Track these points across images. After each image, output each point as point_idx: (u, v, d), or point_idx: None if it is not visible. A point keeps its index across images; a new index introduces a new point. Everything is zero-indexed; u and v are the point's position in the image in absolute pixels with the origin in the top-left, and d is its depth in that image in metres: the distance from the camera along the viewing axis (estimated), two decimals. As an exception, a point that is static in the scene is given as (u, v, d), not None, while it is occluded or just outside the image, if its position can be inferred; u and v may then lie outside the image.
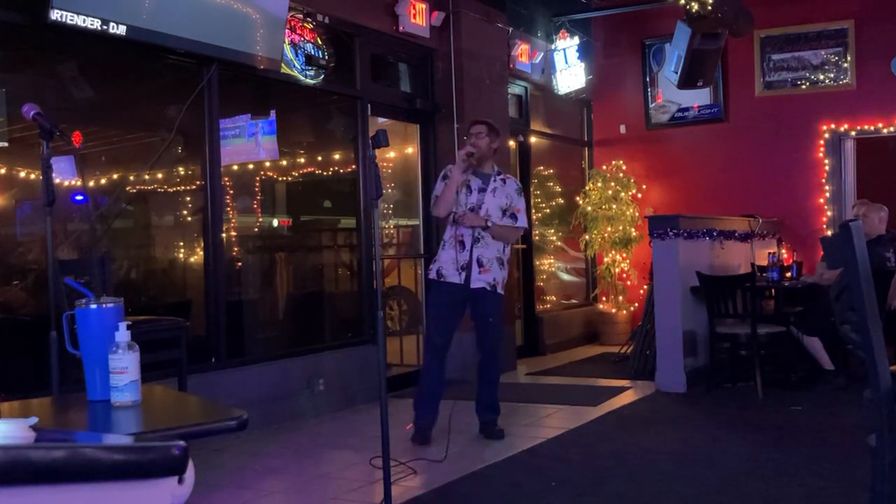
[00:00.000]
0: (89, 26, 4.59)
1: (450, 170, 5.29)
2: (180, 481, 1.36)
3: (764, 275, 7.12)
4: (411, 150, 8.27)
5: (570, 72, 9.33)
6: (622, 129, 10.10)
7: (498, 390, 5.45)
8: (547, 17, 9.42)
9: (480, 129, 5.30)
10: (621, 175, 9.72)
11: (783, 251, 7.83)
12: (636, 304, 9.54)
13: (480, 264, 5.17)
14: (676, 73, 7.88)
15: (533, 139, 9.36)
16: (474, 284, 5.17)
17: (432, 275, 5.29)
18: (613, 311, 9.67)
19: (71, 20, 4.53)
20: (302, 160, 7.39)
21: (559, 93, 9.36)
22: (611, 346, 9.18)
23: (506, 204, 5.26)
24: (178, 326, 4.86)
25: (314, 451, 5.21)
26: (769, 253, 7.24)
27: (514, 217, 5.29)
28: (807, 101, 9.14)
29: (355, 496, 4.25)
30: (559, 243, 10.14)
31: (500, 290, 5.26)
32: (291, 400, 6.04)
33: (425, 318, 5.36)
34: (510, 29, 8.44)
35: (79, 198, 5.33)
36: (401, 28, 7.16)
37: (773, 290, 7.14)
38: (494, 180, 5.29)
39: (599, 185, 9.62)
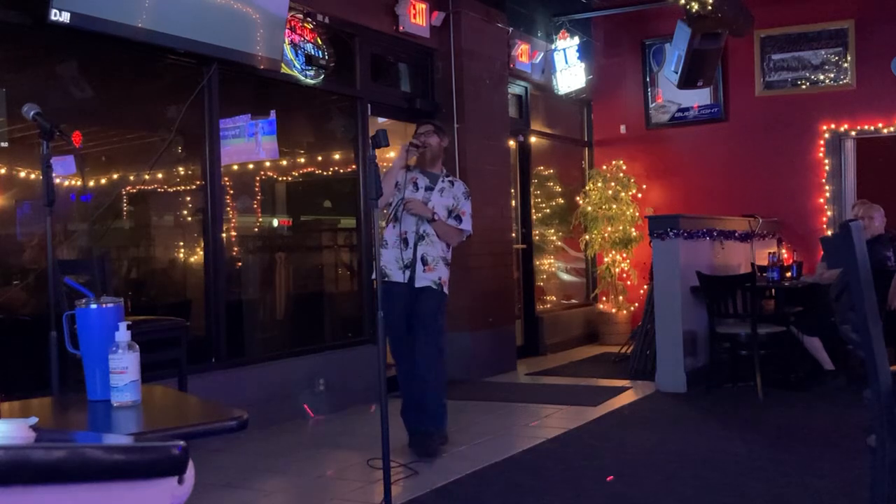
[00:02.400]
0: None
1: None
2: (180, 481, 1.36)
3: (764, 275, 7.12)
4: (411, 150, 8.26)
5: (570, 72, 9.33)
6: (622, 129, 10.11)
7: (438, 394, 5.07)
8: (547, 17, 9.42)
9: (427, 128, 5.21)
10: (621, 175, 9.73)
11: (783, 251, 7.83)
12: (636, 304, 9.55)
13: (425, 262, 5.02)
14: (676, 73, 7.88)
15: (533, 139, 9.36)
16: (419, 283, 5.00)
17: (377, 276, 5.03)
18: (613, 311, 9.67)
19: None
20: (302, 160, 7.39)
21: (559, 93, 9.36)
22: (611, 346, 9.18)
23: (452, 205, 5.14)
24: (178, 326, 4.86)
25: (314, 451, 5.21)
26: (769, 253, 7.23)
27: (458, 219, 5.15)
28: (807, 101, 9.15)
29: (355, 496, 4.25)
30: (559, 243, 10.14)
31: (445, 289, 5.10)
32: (291, 400, 6.04)
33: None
34: (510, 29, 8.44)
35: (79, 197, 5.33)
36: (401, 28, 7.16)
37: (773, 290, 7.14)
38: (443, 181, 5.18)
39: (599, 185, 9.62)
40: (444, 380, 5.21)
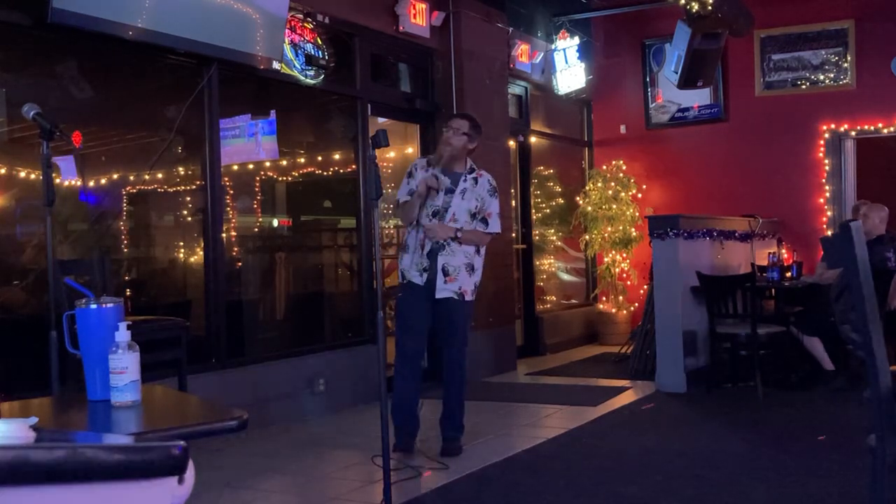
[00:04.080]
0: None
1: (415, 167, 4.98)
2: (180, 481, 1.36)
3: (764, 275, 7.12)
4: (411, 150, 8.27)
5: (570, 72, 9.33)
6: (622, 129, 10.11)
7: (462, 404, 5.09)
8: (547, 17, 9.42)
9: (461, 124, 4.91)
10: (621, 175, 9.73)
11: (783, 251, 7.83)
12: (636, 304, 9.55)
13: (446, 273, 4.85)
14: (676, 73, 7.88)
15: (533, 139, 9.36)
16: (440, 294, 4.86)
17: (399, 277, 5.06)
18: (613, 311, 9.67)
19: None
20: (302, 160, 7.39)
21: (559, 93, 9.36)
22: (611, 346, 9.18)
23: (476, 207, 4.89)
24: (178, 326, 4.86)
25: (314, 451, 5.21)
26: (769, 253, 7.24)
27: (485, 222, 4.92)
28: (807, 101, 9.14)
29: (355, 496, 4.26)
30: (559, 243, 10.14)
31: (468, 297, 4.93)
32: (291, 400, 6.04)
33: (395, 323, 5.16)
34: (510, 29, 8.44)
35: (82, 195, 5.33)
36: (401, 28, 7.16)
37: (773, 290, 7.15)
38: (465, 180, 4.90)
39: (599, 185, 9.62)
40: (465, 388, 5.22)
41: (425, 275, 4.90)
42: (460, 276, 4.89)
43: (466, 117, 5.05)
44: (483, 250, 5.05)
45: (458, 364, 5.07)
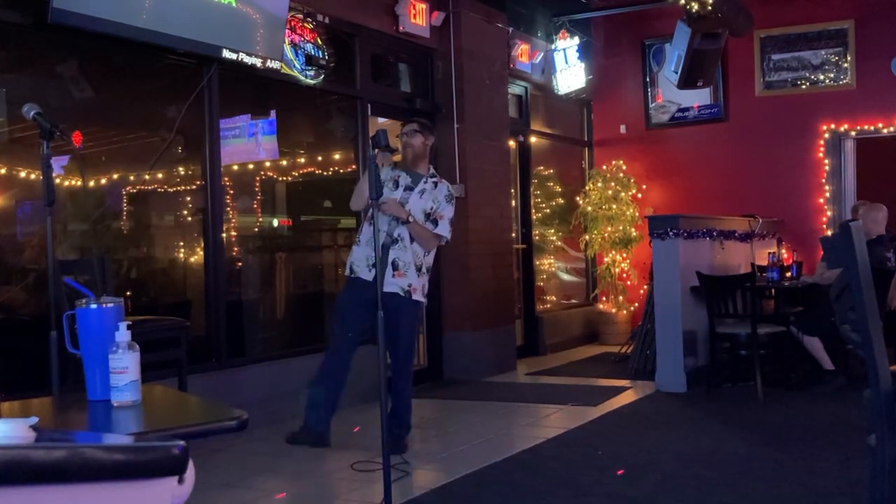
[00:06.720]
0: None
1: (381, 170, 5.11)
2: (180, 481, 1.36)
3: (764, 275, 7.12)
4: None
5: (570, 72, 9.33)
6: (622, 129, 10.11)
7: (409, 404, 5.09)
8: (547, 17, 9.42)
9: (412, 127, 5.14)
10: (621, 175, 9.73)
11: (783, 251, 7.83)
12: (636, 304, 9.55)
13: (395, 267, 4.89)
14: (676, 73, 7.88)
15: (533, 139, 9.36)
16: (387, 288, 4.79)
17: (347, 271, 5.09)
18: (613, 311, 9.67)
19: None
20: (302, 160, 7.39)
21: (559, 93, 9.36)
22: (611, 346, 9.18)
23: (431, 208, 4.98)
24: (178, 326, 4.86)
25: (314, 451, 5.20)
26: (769, 253, 7.23)
27: (435, 223, 4.98)
28: (807, 101, 9.15)
29: (355, 496, 4.26)
30: (559, 243, 10.14)
31: (416, 296, 4.94)
32: (291, 400, 6.03)
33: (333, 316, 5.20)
34: (510, 29, 8.44)
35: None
36: (401, 28, 7.16)
37: (773, 290, 7.14)
38: (425, 181, 5.04)
39: (599, 185, 9.62)
40: (411, 386, 5.20)
41: (373, 271, 4.80)
42: (409, 273, 4.93)
43: (414, 120, 5.29)
44: (432, 255, 5.09)
45: (403, 366, 5.07)
